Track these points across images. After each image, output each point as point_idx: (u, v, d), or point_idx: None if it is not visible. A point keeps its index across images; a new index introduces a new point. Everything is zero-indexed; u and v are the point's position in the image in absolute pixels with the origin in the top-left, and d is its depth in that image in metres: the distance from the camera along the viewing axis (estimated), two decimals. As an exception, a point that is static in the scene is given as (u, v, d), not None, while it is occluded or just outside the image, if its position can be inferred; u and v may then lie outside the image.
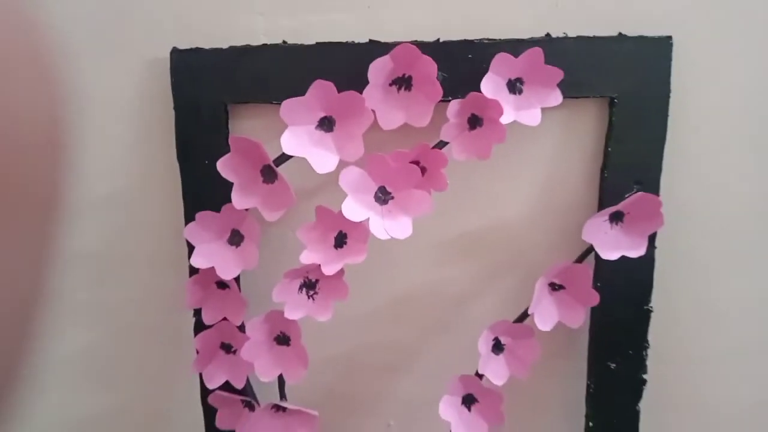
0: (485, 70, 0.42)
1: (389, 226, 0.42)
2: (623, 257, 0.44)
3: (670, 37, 0.43)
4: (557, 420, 0.52)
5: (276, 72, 0.45)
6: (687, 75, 0.44)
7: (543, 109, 0.43)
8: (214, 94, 0.46)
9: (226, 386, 0.48)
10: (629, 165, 0.45)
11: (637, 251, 0.44)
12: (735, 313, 0.49)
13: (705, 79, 0.45)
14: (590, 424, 0.49)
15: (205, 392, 0.49)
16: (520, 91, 0.43)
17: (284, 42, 0.45)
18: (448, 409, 0.47)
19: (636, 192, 0.43)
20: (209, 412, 0.50)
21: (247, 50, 0.45)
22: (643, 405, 0.48)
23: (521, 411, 0.51)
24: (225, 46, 0.45)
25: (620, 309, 0.47)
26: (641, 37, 0.43)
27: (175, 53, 0.46)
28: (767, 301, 0.49)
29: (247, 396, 0.48)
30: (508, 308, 0.48)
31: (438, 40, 0.44)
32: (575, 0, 0.45)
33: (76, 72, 0.48)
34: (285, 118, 0.41)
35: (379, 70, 0.42)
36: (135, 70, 0.48)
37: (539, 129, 0.43)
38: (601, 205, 0.46)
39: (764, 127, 0.46)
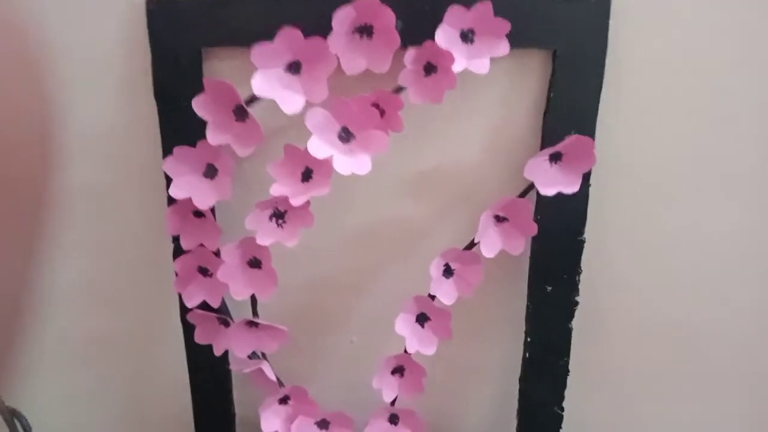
0: (440, 21, 0.45)
1: (351, 162, 0.46)
2: (560, 193, 0.49)
3: (608, -4, 0.47)
4: (500, 335, 0.58)
5: (247, 18, 0.48)
6: (623, 30, 0.49)
7: (492, 59, 0.47)
8: (189, 38, 0.49)
9: (204, 305, 0.52)
10: (568, 111, 0.49)
11: (572, 188, 0.49)
12: (659, 243, 0.55)
13: (639, 35, 0.49)
14: (529, 339, 0.55)
15: (184, 311, 0.54)
16: (472, 41, 0.46)
17: (254, -12, 0.48)
18: (404, 325, 0.53)
19: (573, 135, 0.48)
20: (188, 329, 0.55)
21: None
22: (575, 323, 0.55)
23: (469, 328, 0.57)
24: (198, -9, 0.48)
25: (557, 239, 0.52)
26: (584, -7, 0.47)
27: (152, 1, 0.48)
28: (688, 232, 0.55)
29: (222, 314, 0.53)
30: (458, 237, 0.53)
31: (399, -11, 0.47)
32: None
33: (56, 19, 0.51)
34: (255, 61, 0.45)
35: (342, 18, 0.45)
36: (113, 15, 0.50)
37: (489, 77, 0.47)
38: (543, 147, 0.50)
39: (688, 77, 0.51)
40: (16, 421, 0.56)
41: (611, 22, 0.48)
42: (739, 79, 0.51)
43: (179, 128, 0.50)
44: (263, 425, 0.54)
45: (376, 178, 0.51)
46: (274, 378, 0.53)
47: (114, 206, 0.56)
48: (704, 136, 0.52)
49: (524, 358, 0.56)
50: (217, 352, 0.53)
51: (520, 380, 0.57)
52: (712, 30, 0.50)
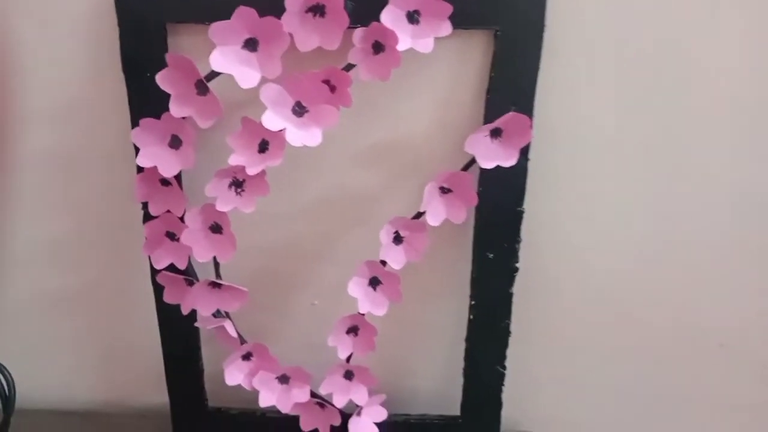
0: (387, 2, 0.47)
1: (302, 135, 0.48)
2: (499, 166, 0.51)
3: (545, -19, 0.49)
4: (446, 299, 0.61)
5: None
6: (559, 13, 0.50)
7: (440, 39, 0.48)
8: (155, 14, 0.51)
9: (172, 268, 0.55)
10: (509, 89, 0.51)
11: (510, 161, 0.51)
12: (593, 213, 0.58)
13: (575, 14, 0.51)
14: (473, 302, 0.58)
15: (154, 272, 0.57)
16: (417, 22, 0.48)
17: (214, -31, 0.50)
18: (357, 288, 0.56)
19: (511, 112, 0.50)
20: (158, 289, 0.57)
21: (182, -25, 0.50)
22: (515, 288, 0.57)
23: (418, 291, 0.60)
24: (162, -30, 0.50)
25: (498, 210, 0.55)
26: (523, -21, 0.49)
27: None
28: (619, 202, 0.58)
29: (188, 275, 0.56)
30: (409, 206, 0.55)
31: (348, -28, 0.49)
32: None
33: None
34: (213, 38, 0.46)
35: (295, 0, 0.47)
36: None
37: (437, 56, 0.49)
38: (485, 123, 0.52)
39: (621, 55, 0.53)
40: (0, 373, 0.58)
41: (549, 2, 0.49)
42: (667, 56, 0.53)
43: (146, 100, 0.52)
44: (227, 379, 0.57)
45: (332, 150, 0.54)
46: (235, 335, 0.56)
47: (85, 171, 0.58)
48: (634, 110, 0.55)
49: (469, 320, 0.59)
50: (185, 310, 0.55)
51: (466, 340, 0.59)
52: (645, 8, 0.52)
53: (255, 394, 0.58)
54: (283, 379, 0.59)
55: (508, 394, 0.61)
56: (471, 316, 0.58)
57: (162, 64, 0.50)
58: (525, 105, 0.51)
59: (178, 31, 0.52)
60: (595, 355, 0.63)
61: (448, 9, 0.47)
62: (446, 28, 0.48)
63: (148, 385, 0.66)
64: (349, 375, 0.59)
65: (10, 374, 0.58)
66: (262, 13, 0.46)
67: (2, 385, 0.58)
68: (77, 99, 0.56)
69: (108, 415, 0.68)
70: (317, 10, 0.48)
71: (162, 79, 0.48)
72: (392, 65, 0.48)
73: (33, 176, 0.59)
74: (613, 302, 0.61)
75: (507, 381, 0.60)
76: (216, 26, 0.46)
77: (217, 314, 0.56)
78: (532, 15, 0.49)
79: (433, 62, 0.51)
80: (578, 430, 0.67)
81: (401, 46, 0.47)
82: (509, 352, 0.59)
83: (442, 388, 0.64)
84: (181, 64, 0.48)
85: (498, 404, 0.61)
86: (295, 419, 0.60)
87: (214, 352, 0.62)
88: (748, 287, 0.60)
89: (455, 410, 0.62)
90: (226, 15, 0.46)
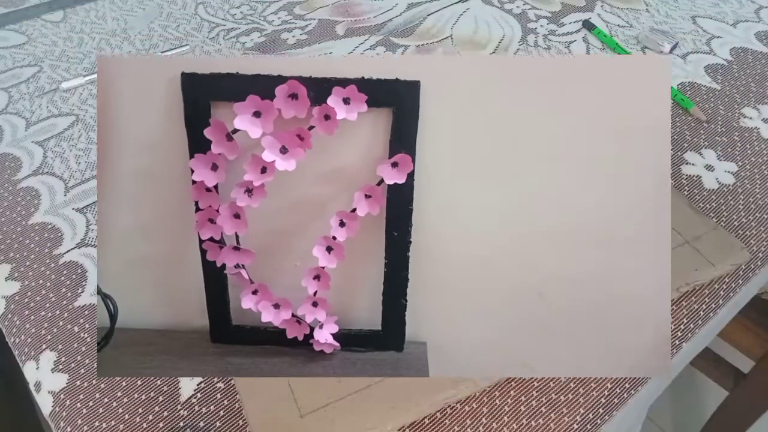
0: (330, 93, 0.82)
1: (285, 164, 0.82)
2: (396, 183, 0.85)
3: (418, 82, 0.82)
4: (371, 259, 0.86)
5: (233, 87, 0.83)
6: (428, 97, 0.82)
7: (362, 113, 0.82)
8: (204, 96, 0.83)
9: (212, 239, 0.89)
10: (401, 141, 0.83)
11: (402, 180, 0.84)
12: (457, 210, 0.89)
13: (438, 102, 0.83)
14: (386, 261, 0.86)
15: (200, 242, 0.90)
16: (349, 103, 0.82)
17: (237, 72, 0.84)
18: (318, 251, 0.87)
19: (401, 153, 0.85)
20: (203, 252, 0.90)
21: (220, 76, 0.84)
22: (411, 252, 0.88)
23: (354, 254, 0.89)
24: (208, 72, 0.84)
25: (398, 207, 0.83)
26: (406, 81, 0.81)
27: (184, 75, 0.83)
28: (473, 204, 0.88)
29: (221, 243, 0.90)
30: (348, 205, 0.86)
31: (310, 77, 0.82)
32: (376, 60, 0.83)
33: (127, 74, 0.87)
34: (236, 111, 0.80)
35: (281, 90, 0.80)
36: (163, 80, 0.85)
37: (361, 122, 0.81)
38: (389, 158, 0.86)
39: (471, 121, 0.83)
40: (108, 302, 0.93)
41: (421, 93, 0.82)
42: (508, 117, 0.84)
43: (198, 143, 0.85)
44: (243, 304, 0.89)
45: (304, 173, 0.88)
46: (248, 278, 0.90)
47: (164, 183, 0.89)
48: (484, 148, 0.83)
49: (384, 272, 0.89)
50: (218, 264, 0.87)
51: (383, 284, 0.89)
52: (482, 90, 0.83)
53: (259, 314, 0.89)
54: (276, 306, 0.90)
55: (409, 317, 0.92)
56: (385, 270, 0.89)
57: (207, 124, 0.84)
58: (409, 149, 0.85)
59: (218, 105, 0.84)
60: (461, 295, 0.93)
61: (364, 97, 0.82)
62: (364, 108, 0.82)
63: (197, 313, 0.97)
64: (315, 304, 0.90)
65: (114, 301, 0.93)
66: (263, 98, 0.81)
67: (110, 308, 0.93)
68: (159, 141, 0.87)
69: (172, 332, 0.97)
70: (293, 96, 0.82)
71: (207, 132, 0.82)
72: (335, 127, 0.82)
73: (131, 187, 0.91)
74: (476, 265, 0.91)
75: (408, 309, 0.91)
76: (237, 105, 0.80)
77: (237, 266, 0.91)
78: (411, 101, 0.82)
79: (360, 126, 0.83)
80: (455, 340, 0.96)
81: (339, 117, 0.82)
82: (409, 291, 0.90)
83: (370, 313, 0.92)
84: (218, 124, 0.83)
85: (403, 323, 0.91)
86: (282, 331, 0.93)
87: (235, 291, 0.92)
88: (560, 253, 0.94)
89: (378, 326, 0.92)
90: (242, 98, 0.81)
